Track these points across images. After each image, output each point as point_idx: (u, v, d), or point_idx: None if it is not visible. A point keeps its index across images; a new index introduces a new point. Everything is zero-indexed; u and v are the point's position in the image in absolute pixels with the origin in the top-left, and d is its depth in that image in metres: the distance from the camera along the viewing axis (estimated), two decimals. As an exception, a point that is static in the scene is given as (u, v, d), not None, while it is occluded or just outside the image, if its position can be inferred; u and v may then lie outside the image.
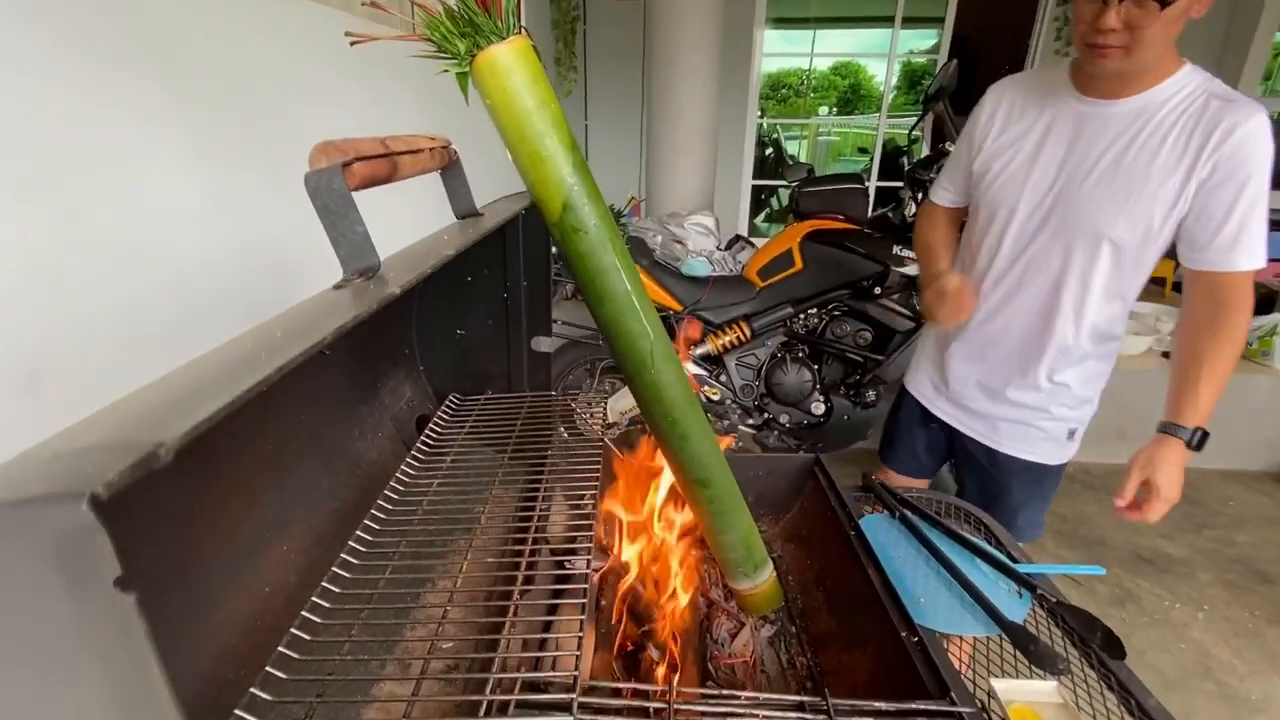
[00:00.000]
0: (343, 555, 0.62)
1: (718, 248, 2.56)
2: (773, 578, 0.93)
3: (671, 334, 2.35)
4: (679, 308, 2.29)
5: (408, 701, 0.47)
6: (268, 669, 0.50)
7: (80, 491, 0.17)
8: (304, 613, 0.55)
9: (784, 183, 2.51)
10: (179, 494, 0.44)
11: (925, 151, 2.55)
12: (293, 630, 0.53)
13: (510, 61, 0.62)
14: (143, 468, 0.19)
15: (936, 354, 1.41)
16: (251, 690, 0.48)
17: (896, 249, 2.18)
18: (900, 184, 2.32)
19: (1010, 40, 5.23)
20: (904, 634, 0.72)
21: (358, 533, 0.66)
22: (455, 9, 0.61)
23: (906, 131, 2.42)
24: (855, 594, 0.85)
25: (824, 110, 9.99)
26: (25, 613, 0.20)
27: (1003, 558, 0.93)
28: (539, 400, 0.98)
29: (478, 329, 1.00)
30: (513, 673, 0.55)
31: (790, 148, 8.03)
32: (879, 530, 1.00)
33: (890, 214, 2.31)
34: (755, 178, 5.28)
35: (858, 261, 2.21)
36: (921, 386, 1.46)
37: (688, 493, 0.86)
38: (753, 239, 3.08)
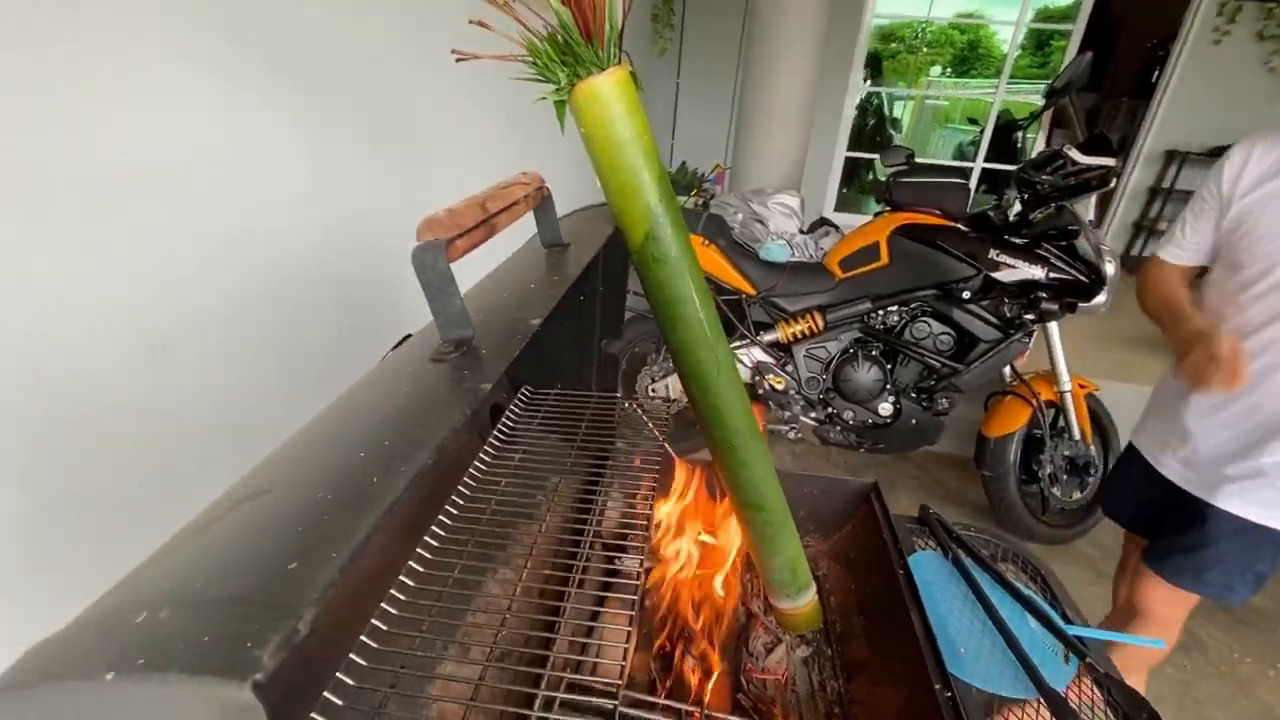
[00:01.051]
0: (418, 550, 0.68)
1: (800, 230, 2.49)
2: (814, 600, 0.95)
3: (742, 318, 2.33)
4: (753, 292, 2.26)
5: (466, 705, 0.53)
6: (351, 656, 0.57)
7: (244, 676, 0.21)
8: (383, 604, 0.62)
9: (878, 157, 2.38)
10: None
11: (1040, 145, 2.36)
12: (373, 621, 0.60)
13: (610, 93, 0.63)
14: (287, 647, 0.23)
15: (1170, 410, 1.33)
16: (337, 674, 0.55)
17: (993, 253, 2.06)
18: (1010, 167, 2.17)
19: (1160, 12, 4.65)
20: (938, 687, 0.73)
21: (432, 527, 0.72)
22: (557, 36, 0.62)
23: (1025, 101, 2.23)
24: (895, 632, 0.86)
25: (935, 70, 9.27)
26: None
27: (1055, 616, 0.91)
28: (605, 401, 1.01)
29: (553, 325, 1.03)
30: (557, 684, 0.60)
31: (894, 109, 7.51)
32: (928, 568, 1.00)
33: (992, 214, 2.16)
34: (851, 149, 5.00)
35: (950, 263, 2.10)
36: (1148, 443, 1.40)
37: (740, 514, 0.88)
38: (838, 215, 2.97)
